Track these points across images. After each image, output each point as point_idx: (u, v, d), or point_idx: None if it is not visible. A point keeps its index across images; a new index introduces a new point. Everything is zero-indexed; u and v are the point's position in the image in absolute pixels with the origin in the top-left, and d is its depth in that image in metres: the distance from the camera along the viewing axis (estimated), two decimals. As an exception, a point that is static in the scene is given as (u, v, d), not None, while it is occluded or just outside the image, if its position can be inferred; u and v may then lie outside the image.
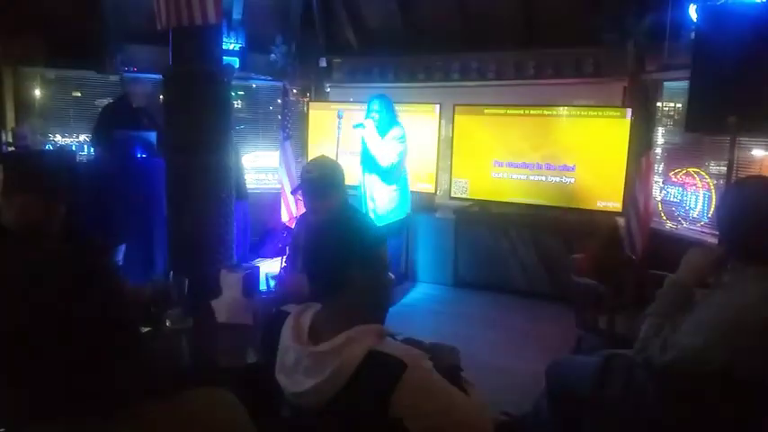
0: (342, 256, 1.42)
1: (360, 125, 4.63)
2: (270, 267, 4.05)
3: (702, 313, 1.78)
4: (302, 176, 2.59)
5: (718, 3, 3.48)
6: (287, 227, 5.37)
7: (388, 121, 4.64)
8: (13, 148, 5.11)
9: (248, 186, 5.38)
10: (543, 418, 2.45)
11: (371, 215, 4.67)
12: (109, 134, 4.72)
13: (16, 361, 0.80)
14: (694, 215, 4.47)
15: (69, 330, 0.82)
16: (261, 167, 6.26)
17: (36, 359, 0.80)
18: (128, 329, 0.90)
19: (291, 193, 2.82)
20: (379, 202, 4.70)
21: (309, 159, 2.64)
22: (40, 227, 2.03)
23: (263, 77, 6.16)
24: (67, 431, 0.81)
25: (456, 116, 5.43)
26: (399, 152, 4.63)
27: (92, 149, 5.38)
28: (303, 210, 2.72)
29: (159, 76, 4.25)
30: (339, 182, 2.54)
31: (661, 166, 4.91)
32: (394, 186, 4.71)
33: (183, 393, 0.92)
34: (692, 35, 3.80)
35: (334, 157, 4.69)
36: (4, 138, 5.26)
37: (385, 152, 4.58)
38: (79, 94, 5.89)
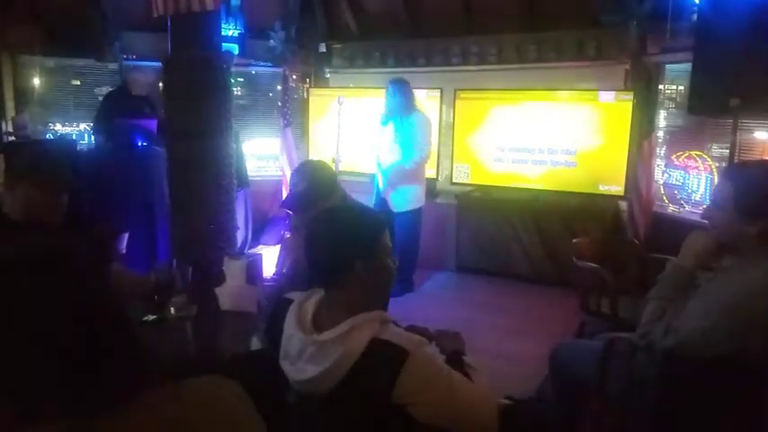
0: (343, 245, 1.41)
1: (385, 123, 4.59)
2: (272, 255, 4.06)
3: (706, 297, 1.78)
4: (291, 190, 2.42)
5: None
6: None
7: (404, 107, 4.55)
8: (13, 138, 5.10)
9: (249, 173, 5.37)
10: (547, 401, 2.47)
11: (390, 204, 4.64)
12: (110, 122, 4.70)
13: (14, 355, 0.80)
14: (696, 198, 4.46)
15: (69, 323, 0.81)
16: (261, 154, 6.24)
17: (35, 352, 0.80)
18: (123, 322, 0.89)
19: (281, 206, 2.56)
20: (398, 195, 4.66)
21: (295, 169, 2.46)
22: (42, 217, 2.03)
23: (262, 64, 6.12)
24: (66, 427, 0.81)
25: (457, 101, 5.40)
26: (422, 141, 4.58)
27: (92, 138, 5.37)
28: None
29: (158, 64, 4.23)
30: (329, 187, 2.37)
31: (663, 149, 4.89)
32: (414, 176, 4.66)
33: (184, 382, 0.92)
34: (694, 17, 3.77)
35: (335, 143, 4.72)
36: (4, 127, 5.25)
37: (410, 142, 4.53)
38: (79, 83, 5.87)
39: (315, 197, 2.30)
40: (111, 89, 5.37)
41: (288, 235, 3.95)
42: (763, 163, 2.59)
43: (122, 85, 5.16)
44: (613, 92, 4.88)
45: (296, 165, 5.25)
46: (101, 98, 5.32)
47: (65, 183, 2.10)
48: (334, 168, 2.52)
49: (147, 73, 5.18)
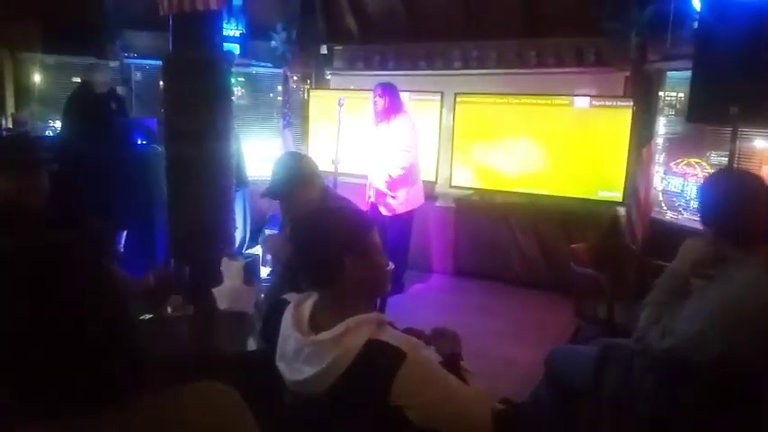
0: (331, 240, 1.41)
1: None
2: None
3: (701, 301, 1.79)
4: (271, 179, 2.53)
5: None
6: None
7: (391, 106, 4.58)
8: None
9: (248, 174, 5.37)
10: (542, 406, 2.47)
11: (388, 207, 4.65)
12: (81, 123, 4.65)
13: (11, 352, 0.79)
14: (694, 205, 4.47)
15: (67, 321, 0.81)
16: (261, 155, 6.24)
17: (32, 350, 0.79)
18: (116, 320, 0.88)
19: (262, 195, 2.75)
20: (395, 194, 4.65)
21: (275, 159, 2.68)
22: (14, 208, 2.02)
23: (263, 64, 6.13)
24: (63, 426, 0.81)
25: (457, 105, 5.41)
26: (407, 164, 4.57)
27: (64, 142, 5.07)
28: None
29: (159, 62, 4.23)
30: (307, 176, 2.47)
31: (662, 155, 4.90)
32: (409, 178, 4.66)
33: (180, 388, 0.91)
34: (695, 24, 3.78)
35: (335, 146, 4.72)
36: (4, 124, 5.25)
37: (392, 164, 4.53)
38: (79, 80, 5.86)
39: (293, 184, 2.42)
40: (71, 92, 5.08)
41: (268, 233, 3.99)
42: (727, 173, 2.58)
43: (83, 85, 5.01)
44: (587, 98, 4.95)
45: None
46: (65, 102, 5.05)
47: (36, 172, 2.10)
48: (313, 160, 2.64)
49: (104, 72, 5.09)
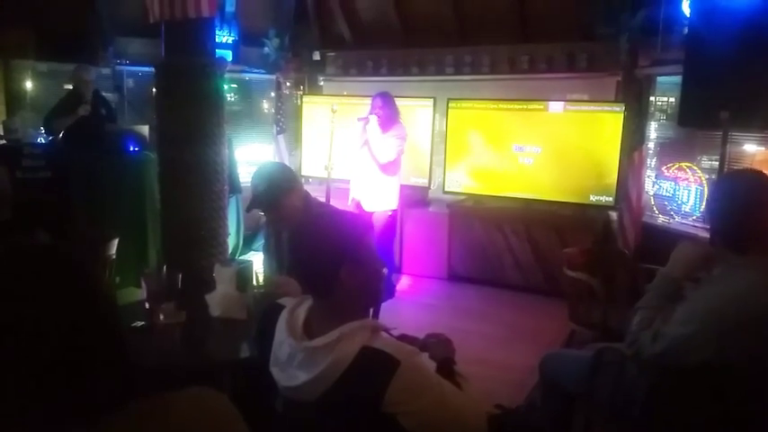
0: (326, 252, 1.40)
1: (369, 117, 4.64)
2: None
3: (692, 304, 1.80)
4: (253, 192, 2.54)
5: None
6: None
7: (389, 119, 4.63)
8: (4, 141, 5.07)
9: (241, 180, 5.37)
10: (536, 410, 2.48)
11: (362, 207, 4.68)
12: (66, 121, 4.69)
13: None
14: (686, 209, 4.49)
15: (57, 329, 0.80)
16: (254, 161, 6.23)
17: (19, 359, 0.78)
18: (106, 326, 0.87)
19: (246, 210, 2.76)
20: (371, 195, 4.70)
21: (254, 172, 2.65)
22: None
23: (256, 70, 6.14)
24: None
25: (449, 110, 5.43)
26: (398, 150, 4.64)
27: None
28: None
29: (151, 69, 4.23)
30: (289, 185, 2.48)
31: (654, 160, 4.93)
32: (388, 181, 4.69)
33: (171, 393, 0.91)
34: (685, 30, 3.81)
35: (328, 151, 4.73)
36: (-5, 131, 5.21)
37: (384, 148, 4.57)
38: (71, 87, 5.85)
39: (276, 196, 2.43)
40: (61, 97, 5.18)
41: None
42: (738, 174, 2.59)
43: (73, 89, 5.07)
44: (579, 102, 5.03)
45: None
46: (57, 102, 5.11)
47: None
48: (292, 169, 2.70)
49: (88, 71, 5.10)
